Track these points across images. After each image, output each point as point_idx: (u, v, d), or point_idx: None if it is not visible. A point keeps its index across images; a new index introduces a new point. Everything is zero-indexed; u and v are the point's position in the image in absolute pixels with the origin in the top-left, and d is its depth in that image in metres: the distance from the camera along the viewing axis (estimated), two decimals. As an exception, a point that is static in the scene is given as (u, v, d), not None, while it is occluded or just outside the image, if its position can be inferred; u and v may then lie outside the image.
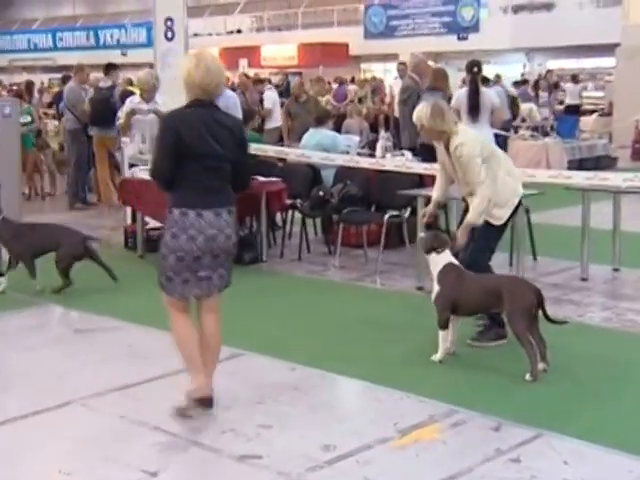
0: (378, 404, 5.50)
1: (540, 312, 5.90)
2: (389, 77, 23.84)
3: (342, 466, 4.56)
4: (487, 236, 6.55)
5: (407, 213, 9.01)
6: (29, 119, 14.43)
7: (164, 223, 5.12)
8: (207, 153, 4.95)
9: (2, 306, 7.72)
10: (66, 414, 5.36)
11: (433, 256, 6.22)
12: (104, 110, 12.15)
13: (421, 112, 6.51)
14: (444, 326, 6.08)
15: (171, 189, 5.03)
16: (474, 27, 30.55)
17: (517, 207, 6.64)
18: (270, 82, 21.45)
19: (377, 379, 5.79)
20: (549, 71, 24.86)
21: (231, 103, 9.40)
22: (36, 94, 18.44)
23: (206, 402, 5.04)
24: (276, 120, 15.97)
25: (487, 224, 6.46)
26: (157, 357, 6.36)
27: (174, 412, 5.05)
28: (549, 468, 4.54)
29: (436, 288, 6.14)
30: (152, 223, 9.88)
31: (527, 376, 5.72)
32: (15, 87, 18.83)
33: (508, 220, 6.66)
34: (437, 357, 6.11)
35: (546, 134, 17.94)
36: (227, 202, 5.08)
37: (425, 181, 9.33)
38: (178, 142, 4.91)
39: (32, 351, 6.67)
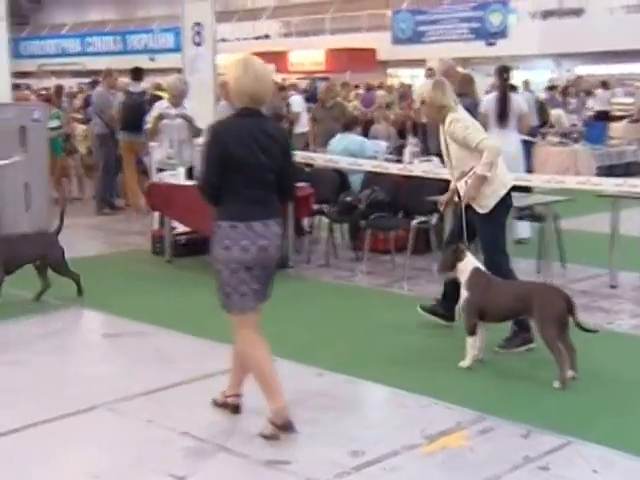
0: (405, 410, 5.49)
1: (571, 319, 5.85)
2: (416, 83, 23.80)
3: (369, 472, 4.55)
4: (486, 229, 6.66)
5: (434, 219, 9.00)
6: (58, 124, 14.52)
7: (211, 236, 4.97)
8: (253, 164, 4.80)
9: (33, 310, 7.78)
10: (94, 418, 5.38)
11: (458, 266, 6.23)
12: (135, 115, 12.17)
13: (423, 86, 6.83)
14: (472, 332, 6.07)
15: (218, 202, 4.90)
16: (502, 33, 30.43)
17: (504, 200, 6.65)
18: (295, 89, 21.45)
19: (404, 385, 5.77)
20: (579, 77, 24.74)
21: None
22: (65, 98, 18.51)
23: (287, 427, 4.87)
24: (303, 125, 15.98)
25: (479, 217, 6.60)
26: (184, 361, 6.40)
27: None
28: (578, 476, 4.52)
29: (464, 294, 6.13)
30: (180, 228, 9.92)
31: (556, 383, 5.70)
32: (44, 92, 18.92)
33: (503, 217, 6.72)
34: (465, 363, 6.10)
35: (575, 140, 17.81)
36: (274, 213, 4.95)
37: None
38: (225, 153, 4.76)
39: (61, 354, 6.73)
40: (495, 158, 6.46)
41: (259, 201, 4.86)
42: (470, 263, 6.20)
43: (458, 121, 6.59)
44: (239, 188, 4.80)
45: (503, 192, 6.61)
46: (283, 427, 4.85)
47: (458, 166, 6.69)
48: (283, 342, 6.62)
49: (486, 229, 6.67)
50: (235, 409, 5.22)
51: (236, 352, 5.18)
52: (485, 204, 6.57)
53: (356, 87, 23.76)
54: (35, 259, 7.89)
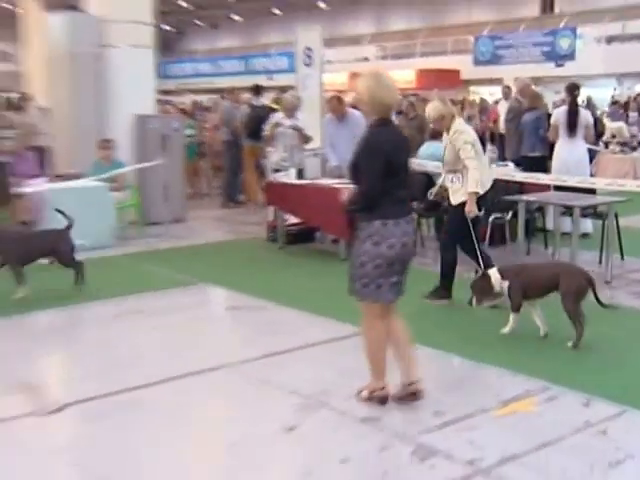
0: (482, 379, 5.40)
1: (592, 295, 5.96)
2: (492, 98, 23.43)
3: (449, 430, 4.50)
4: (453, 219, 7.15)
5: (509, 216, 8.89)
6: (192, 132, 14.75)
7: (362, 231, 4.67)
8: (401, 167, 4.66)
9: (170, 285, 7.91)
10: (219, 376, 5.44)
11: (492, 275, 6.27)
12: (255, 124, 12.26)
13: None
14: (517, 310, 6.17)
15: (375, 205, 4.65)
16: (570, 55, 29.73)
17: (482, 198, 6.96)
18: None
19: (481, 358, 5.69)
20: (638, 94, 24.07)
21: (358, 120, 9.44)
22: (198, 111, 18.74)
23: (384, 400, 4.81)
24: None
25: (451, 208, 7.14)
26: (293, 331, 6.42)
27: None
28: (634, 441, 4.39)
29: (505, 284, 6.16)
30: (291, 220, 9.98)
31: (569, 343, 5.86)
32: (182, 106, 19.21)
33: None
34: (506, 330, 6.20)
35: (634, 149, 17.37)
36: (410, 210, 4.82)
37: (525, 188, 9.15)
38: (385, 161, 4.55)
39: (196, 322, 6.82)
40: (477, 175, 6.79)
41: (403, 200, 4.71)
42: (493, 273, 6.26)
43: (462, 133, 6.93)
44: (391, 190, 4.60)
45: (480, 192, 6.89)
46: (380, 400, 4.80)
47: (448, 163, 7.10)
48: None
49: (453, 219, 7.14)
50: (414, 395, 4.81)
51: (391, 342, 4.85)
52: (456, 199, 7.03)
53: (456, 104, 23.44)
54: (46, 253, 7.58)
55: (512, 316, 6.20)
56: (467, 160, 6.83)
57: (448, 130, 7.06)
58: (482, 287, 6.30)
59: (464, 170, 6.90)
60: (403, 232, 4.63)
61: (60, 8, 11.94)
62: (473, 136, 7.03)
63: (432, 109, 7.10)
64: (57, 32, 11.50)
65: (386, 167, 4.56)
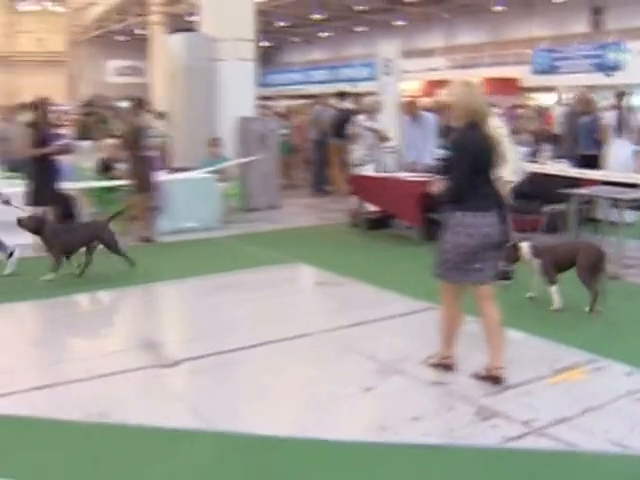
0: (538, 350, 5.22)
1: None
2: (547, 103, 22.80)
3: (509, 394, 4.39)
4: None
5: (563, 206, 8.61)
6: (286, 131, 14.75)
7: (447, 222, 4.52)
8: (487, 166, 4.50)
9: (266, 262, 7.91)
10: (307, 342, 5.42)
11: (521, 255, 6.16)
12: (341, 125, 12.20)
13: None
14: (554, 282, 6.03)
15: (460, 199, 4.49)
16: (619, 66, 28.74)
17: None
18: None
19: (538, 331, 5.51)
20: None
21: (430, 121, 9.31)
22: (292, 115, 18.76)
23: (449, 368, 4.71)
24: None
25: None
26: (371, 305, 6.35)
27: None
28: (673, 409, 4.21)
29: (538, 261, 6.08)
30: (372, 208, 9.89)
31: (586, 308, 5.88)
32: (278, 110, 19.27)
33: None
34: (555, 306, 6.01)
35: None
36: (495, 204, 4.55)
37: (578, 183, 8.86)
38: (473, 160, 4.41)
39: (287, 295, 6.82)
40: (514, 166, 6.66)
41: (486, 195, 4.50)
42: (525, 246, 6.15)
43: (500, 128, 6.53)
44: (476, 185, 4.44)
45: None
46: (446, 367, 4.72)
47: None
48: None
49: None
50: (495, 379, 4.53)
51: (483, 325, 4.64)
52: None
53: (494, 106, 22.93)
54: (89, 242, 7.26)
55: (553, 290, 6.03)
56: (508, 152, 6.44)
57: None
58: (509, 255, 6.13)
59: None
60: (485, 223, 4.44)
61: (179, 30, 12.29)
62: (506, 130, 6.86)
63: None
64: (176, 50, 11.67)
65: (473, 165, 4.41)
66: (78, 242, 7.23)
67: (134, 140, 8.94)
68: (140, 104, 9.36)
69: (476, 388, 4.48)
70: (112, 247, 7.31)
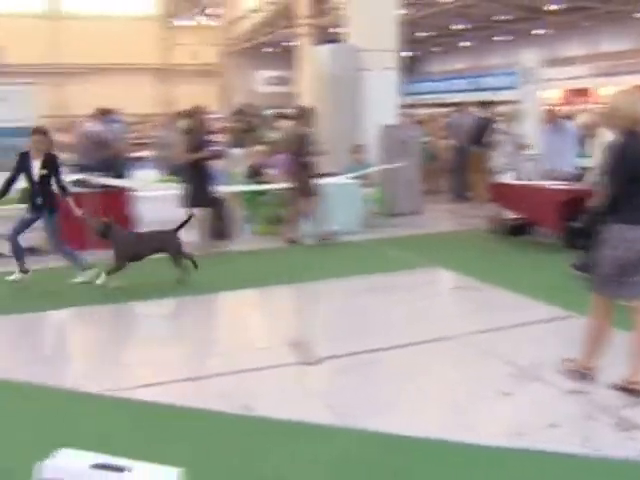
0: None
1: None
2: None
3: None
4: None
5: None
6: (427, 139, 14.63)
7: (602, 234, 4.35)
8: None
9: (406, 266, 7.88)
10: (446, 345, 5.37)
11: None
12: (481, 133, 11.99)
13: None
14: None
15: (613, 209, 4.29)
16: None
17: None
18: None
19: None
20: None
21: (570, 129, 9.02)
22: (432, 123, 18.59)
23: (585, 377, 4.52)
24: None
25: None
26: (508, 310, 6.23)
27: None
28: None
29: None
30: (510, 214, 9.66)
31: None
32: (419, 117, 19.17)
33: None
34: None
35: None
36: None
37: None
38: (630, 169, 4.20)
39: (427, 298, 6.79)
40: None
41: None
42: None
43: None
44: (632, 196, 4.23)
45: None
46: (582, 376, 4.53)
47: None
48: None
49: None
50: (634, 392, 4.32)
51: (633, 339, 4.40)
52: None
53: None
54: (156, 251, 7.17)
55: None
56: None
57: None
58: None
59: None
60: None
61: (326, 41, 12.49)
62: None
63: None
64: (323, 60, 11.88)
65: (629, 174, 4.21)
66: (145, 250, 7.15)
67: (298, 147, 9.16)
68: (303, 113, 9.54)
69: (615, 398, 4.29)
70: (176, 258, 7.16)
